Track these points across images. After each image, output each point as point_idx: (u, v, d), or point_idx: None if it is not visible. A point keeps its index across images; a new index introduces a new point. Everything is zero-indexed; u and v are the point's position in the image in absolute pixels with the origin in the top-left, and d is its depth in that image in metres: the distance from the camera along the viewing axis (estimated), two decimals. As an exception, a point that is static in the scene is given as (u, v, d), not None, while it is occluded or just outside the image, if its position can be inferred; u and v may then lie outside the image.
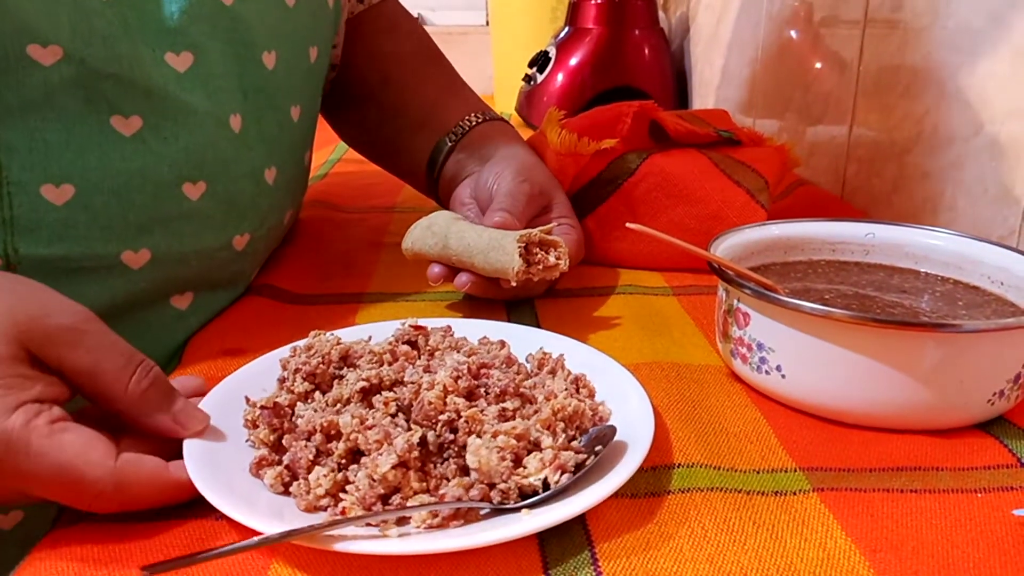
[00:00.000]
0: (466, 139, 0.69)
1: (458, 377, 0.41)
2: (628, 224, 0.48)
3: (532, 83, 1.30)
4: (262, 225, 0.60)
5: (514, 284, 0.54)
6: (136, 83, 0.48)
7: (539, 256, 0.55)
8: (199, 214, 0.53)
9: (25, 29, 0.44)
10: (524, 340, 0.49)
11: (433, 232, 0.59)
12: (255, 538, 0.32)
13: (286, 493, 0.37)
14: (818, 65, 0.91)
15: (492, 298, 0.59)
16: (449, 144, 0.70)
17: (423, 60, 0.78)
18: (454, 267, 0.58)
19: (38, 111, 0.46)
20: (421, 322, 0.48)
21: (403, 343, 0.46)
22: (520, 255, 0.54)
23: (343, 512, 0.35)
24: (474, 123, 0.70)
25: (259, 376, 0.45)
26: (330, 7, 0.67)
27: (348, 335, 0.48)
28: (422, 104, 0.74)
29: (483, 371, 0.42)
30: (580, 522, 0.36)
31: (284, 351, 0.46)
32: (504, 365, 0.44)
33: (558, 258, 0.55)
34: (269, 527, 0.33)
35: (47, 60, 0.45)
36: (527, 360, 0.47)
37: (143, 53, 0.49)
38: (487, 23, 1.77)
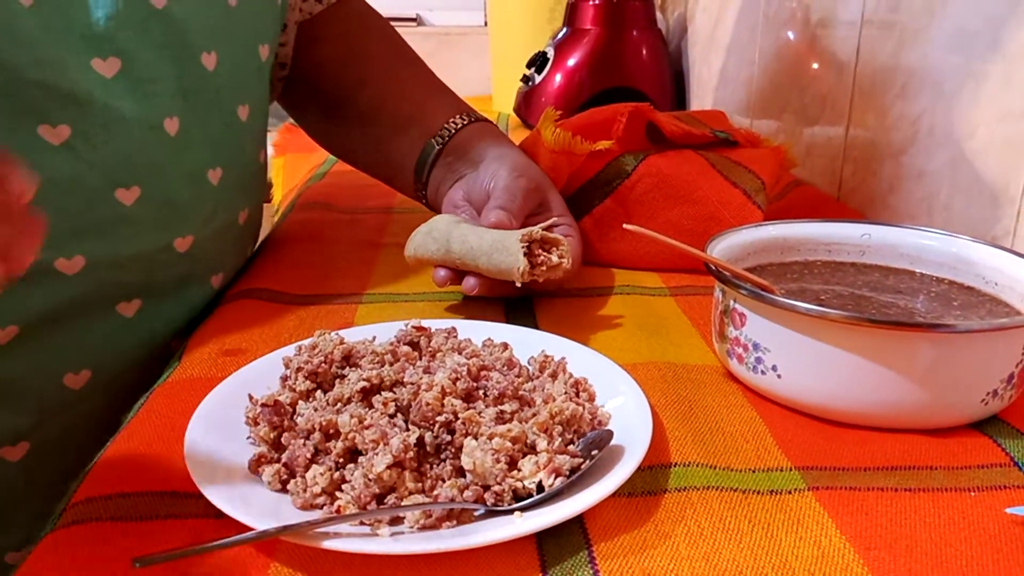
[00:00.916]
0: (453, 142, 0.69)
1: (457, 379, 0.41)
2: (625, 225, 0.48)
3: (530, 84, 1.30)
4: (207, 226, 0.59)
5: (519, 285, 0.54)
6: (62, 90, 0.48)
7: (542, 257, 0.55)
8: (134, 218, 0.53)
9: None
10: (527, 342, 0.49)
11: (434, 237, 0.59)
12: (247, 533, 0.32)
13: (284, 491, 0.38)
14: (815, 66, 0.91)
15: (500, 296, 0.59)
16: (437, 147, 0.69)
17: (400, 62, 0.77)
18: (459, 270, 0.58)
19: None
20: (426, 323, 0.48)
21: (405, 344, 0.46)
22: (524, 254, 0.54)
23: (338, 511, 0.35)
24: (460, 125, 0.70)
25: (264, 374, 0.45)
26: (278, 4, 0.66)
27: (352, 335, 0.48)
28: (403, 107, 0.74)
29: (483, 373, 0.43)
30: (578, 522, 0.36)
31: (289, 350, 0.47)
32: (505, 367, 0.44)
33: (561, 256, 0.56)
34: (263, 524, 0.33)
35: None
36: (529, 363, 0.47)
37: (68, 59, 0.48)
38: (485, 24, 1.77)
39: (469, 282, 0.57)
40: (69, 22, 0.48)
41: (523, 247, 0.54)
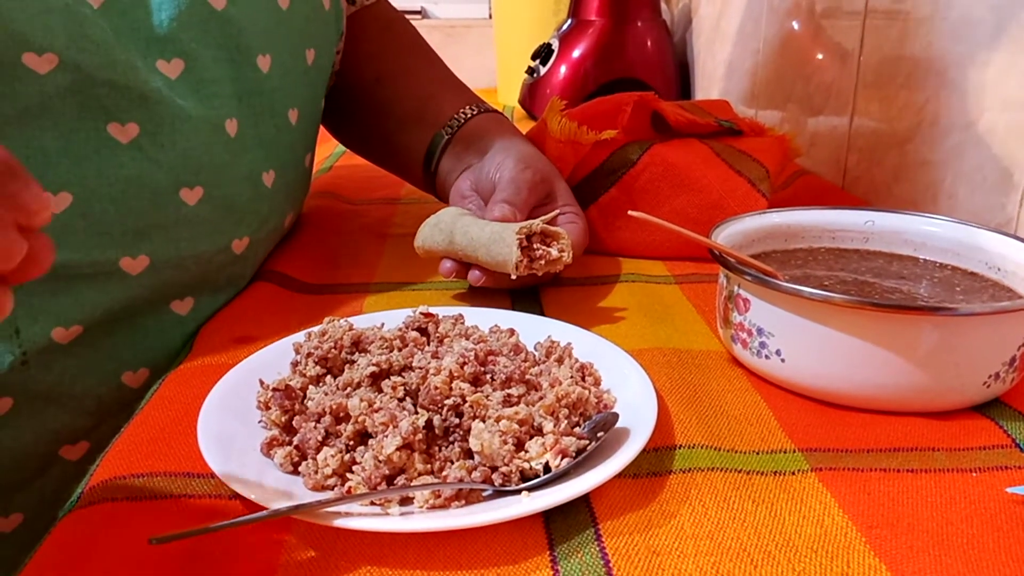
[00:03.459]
0: (462, 132, 0.70)
1: (464, 363, 0.41)
2: (630, 212, 0.49)
3: (535, 75, 1.30)
4: (261, 228, 0.60)
5: (514, 277, 0.55)
6: (131, 89, 0.49)
7: (541, 251, 0.56)
8: (196, 219, 0.54)
9: (19, 38, 0.44)
10: (533, 329, 0.50)
11: (440, 229, 0.60)
12: (260, 512, 0.33)
13: (295, 472, 0.38)
14: (819, 56, 0.91)
15: (505, 288, 0.60)
16: (445, 137, 0.70)
17: (414, 56, 0.78)
18: (465, 262, 0.59)
19: (35, 120, 0.46)
20: (434, 310, 0.49)
21: (413, 330, 0.47)
22: (521, 246, 0.54)
23: (349, 491, 0.36)
24: (469, 116, 0.70)
25: (275, 360, 0.46)
26: (327, 9, 0.67)
27: (361, 322, 0.49)
28: (415, 99, 0.74)
29: (490, 358, 0.43)
30: (584, 501, 0.37)
31: (299, 336, 0.47)
32: (512, 353, 0.45)
33: (561, 251, 0.56)
34: (276, 504, 0.34)
35: (42, 68, 0.46)
36: (535, 348, 0.48)
37: (136, 60, 0.49)
38: (490, 16, 1.77)
39: (474, 274, 0.58)
40: (135, 24, 0.50)
41: (519, 239, 0.54)
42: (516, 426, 0.38)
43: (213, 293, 0.58)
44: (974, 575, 0.32)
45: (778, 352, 0.46)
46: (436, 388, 0.40)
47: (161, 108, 0.50)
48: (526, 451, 0.38)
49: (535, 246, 0.56)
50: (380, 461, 0.37)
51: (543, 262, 0.55)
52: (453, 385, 0.40)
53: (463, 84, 0.77)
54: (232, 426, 0.41)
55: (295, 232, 0.76)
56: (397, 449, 0.37)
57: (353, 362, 0.44)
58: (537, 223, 0.56)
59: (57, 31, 0.46)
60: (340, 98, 0.78)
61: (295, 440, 0.39)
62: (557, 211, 0.62)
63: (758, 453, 0.41)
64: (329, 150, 1.14)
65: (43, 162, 0.47)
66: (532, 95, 1.31)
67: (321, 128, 0.85)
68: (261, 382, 0.43)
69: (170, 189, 0.52)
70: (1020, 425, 0.43)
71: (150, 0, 0.50)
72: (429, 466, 0.38)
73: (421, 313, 0.48)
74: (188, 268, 0.55)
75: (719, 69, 1.24)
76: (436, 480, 0.37)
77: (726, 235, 0.53)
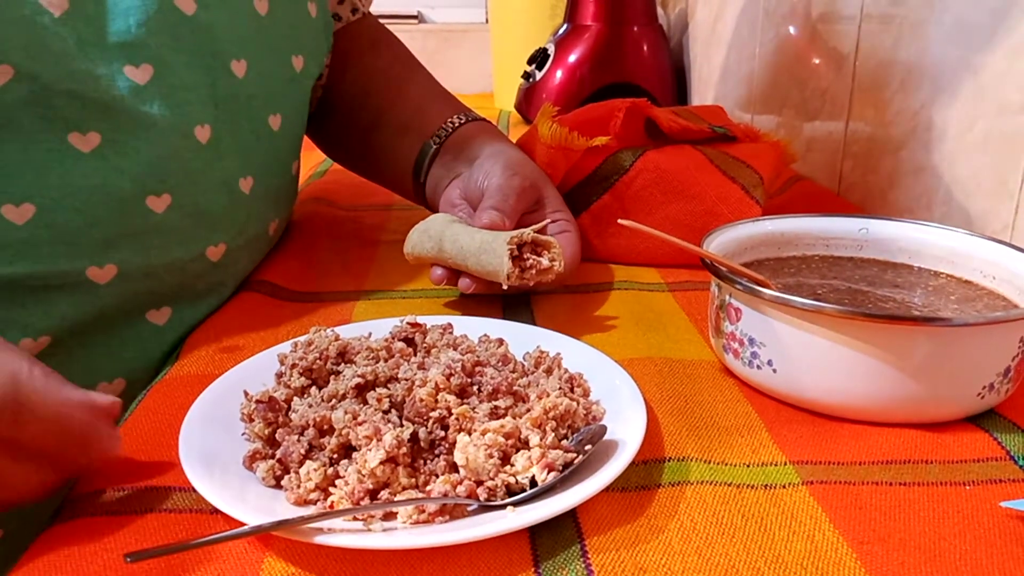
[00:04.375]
0: (450, 141, 0.69)
1: (451, 375, 0.41)
2: (620, 220, 0.48)
3: (531, 80, 1.30)
4: (240, 235, 0.59)
5: (505, 288, 0.54)
6: (92, 98, 0.48)
7: (531, 261, 0.55)
8: (166, 227, 0.53)
9: None
10: (523, 338, 0.49)
11: (429, 236, 0.59)
12: (240, 528, 0.32)
13: (278, 487, 0.38)
14: (815, 61, 0.91)
15: (496, 295, 0.60)
16: (434, 147, 0.69)
17: (403, 71, 0.77)
18: (455, 269, 0.58)
19: None
20: (422, 319, 0.48)
21: (399, 340, 0.46)
22: (512, 255, 0.54)
23: (332, 506, 0.36)
24: (457, 124, 0.70)
25: (260, 371, 0.45)
26: (314, 17, 0.66)
27: (348, 332, 0.48)
28: (403, 111, 0.74)
29: (477, 369, 0.43)
30: (571, 516, 0.36)
31: (285, 347, 0.47)
32: (500, 363, 0.45)
33: (552, 260, 0.55)
34: (257, 519, 0.33)
35: None
36: (524, 359, 0.47)
37: (99, 68, 0.48)
38: (487, 20, 1.77)
39: (464, 282, 0.58)
40: (100, 31, 0.49)
41: (510, 249, 0.54)
42: (502, 439, 0.37)
43: (192, 302, 0.57)
44: (966, 592, 0.32)
45: (770, 362, 0.45)
46: (421, 400, 0.39)
47: (124, 116, 0.50)
48: (512, 465, 0.37)
49: (526, 255, 0.55)
50: (363, 475, 0.36)
51: (534, 271, 0.55)
52: (439, 397, 0.39)
53: (451, 95, 0.76)
54: (215, 438, 0.40)
55: (285, 239, 0.75)
56: (381, 463, 0.36)
57: (339, 373, 0.44)
58: (528, 232, 0.55)
59: (13, 42, 0.45)
60: (329, 114, 0.78)
61: (278, 453, 0.39)
62: (548, 220, 0.61)
63: (749, 466, 0.40)
64: (322, 156, 1.14)
65: (4, 173, 0.46)
66: (528, 100, 1.30)
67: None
68: (246, 393, 0.43)
69: (136, 197, 0.51)
70: (1015, 437, 0.42)
71: (116, 6, 0.49)
72: (414, 480, 0.37)
73: (408, 323, 0.48)
74: (160, 277, 0.54)
75: (715, 74, 1.23)
76: (420, 495, 0.36)
77: (719, 243, 0.52)
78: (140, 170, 0.51)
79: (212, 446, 0.39)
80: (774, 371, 0.45)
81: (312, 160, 1.13)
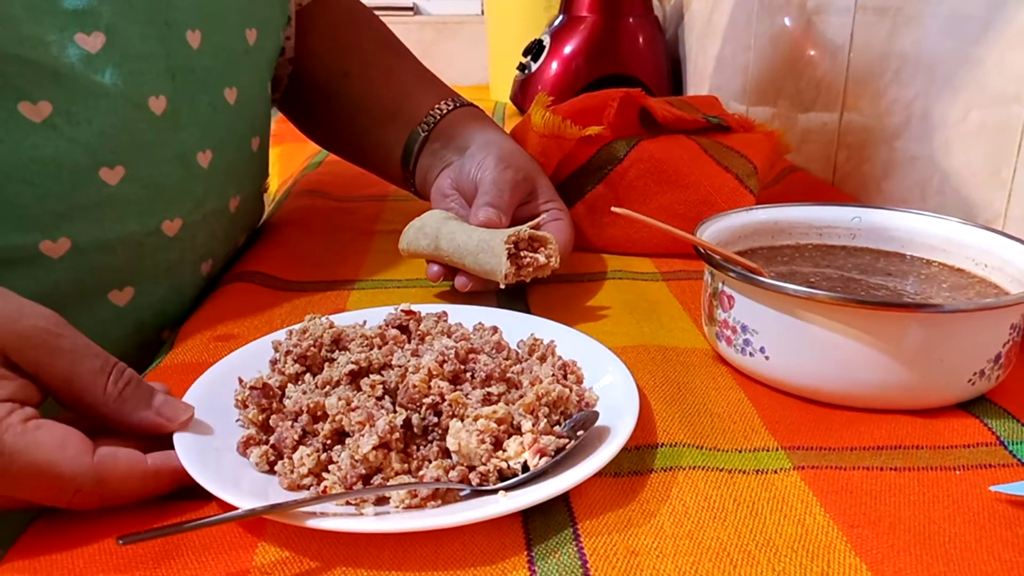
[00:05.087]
0: (439, 128, 0.68)
1: (444, 361, 0.41)
2: (614, 208, 0.48)
3: (527, 72, 1.30)
4: (196, 210, 0.58)
5: (503, 287, 0.54)
6: (42, 66, 0.47)
7: (528, 259, 0.55)
8: (120, 199, 0.52)
9: None
10: (517, 326, 0.49)
11: (425, 233, 0.59)
12: (233, 512, 0.33)
13: (271, 472, 0.38)
14: (810, 53, 0.91)
15: (490, 289, 0.60)
16: (423, 134, 0.69)
17: (385, 52, 0.76)
18: (452, 266, 0.58)
19: None
20: (417, 308, 0.49)
21: (393, 327, 0.46)
22: (510, 254, 0.54)
23: (325, 491, 0.36)
24: (445, 111, 0.69)
25: (255, 358, 0.46)
26: None
27: (343, 320, 0.48)
28: (389, 96, 0.73)
29: (471, 356, 0.43)
30: (563, 501, 0.36)
31: (280, 334, 0.47)
32: (493, 350, 0.45)
33: (548, 256, 0.55)
34: (250, 504, 0.33)
35: None
36: (519, 346, 0.48)
37: (49, 35, 0.48)
38: (482, 12, 1.77)
39: (460, 280, 0.58)
40: None
41: (508, 248, 0.54)
42: (494, 425, 0.37)
43: (153, 282, 0.57)
44: (954, 573, 0.32)
45: (762, 349, 0.46)
46: (414, 386, 0.39)
47: (76, 85, 0.49)
48: (504, 450, 0.37)
49: (522, 253, 0.55)
50: (356, 460, 0.36)
51: (531, 269, 0.55)
52: (432, 383, 0.40)
53: (436, 78, 0.76)
54: (210, 424, 0.40)
55: (278, 230, 0.75)
56: (373, 448, 0.36)
57: (333, 360, 0.44)
58: (524, 229, 0.55)
59: None
60: (309, 94, 0.77)
61: (271, 439, 0.39)
62: (543, 215, 0.61)
63: (740, 451, 0.40)
64: (317, 147, 1.14)
65: None
66: (524, 91, 1.30)
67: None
68: (240, 380, 0.43)
69: (89, 169, 0.51)
70: (1005, 423, 0.42)
71: None
72: (406, 465, 0.37)
73: (402, 311, 0.48)
74: (116, 251, 0.53)
75: (711, 65, 1.23)
76: (412, 480, 0.36)
77: (713, 231, 0.53)
78: (93, 141, 0.50)
79: (206, 432, 0.40)
80: (767, 358, 0.46)
81: (306, 152, 1.13)
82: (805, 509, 0.36)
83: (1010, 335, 0.43)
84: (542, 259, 0.55)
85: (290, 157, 1.19)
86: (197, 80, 0.57)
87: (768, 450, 0.40)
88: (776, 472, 0.38)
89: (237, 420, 0.41)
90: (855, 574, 0.32)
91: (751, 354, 0.46)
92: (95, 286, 0.54)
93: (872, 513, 0.36)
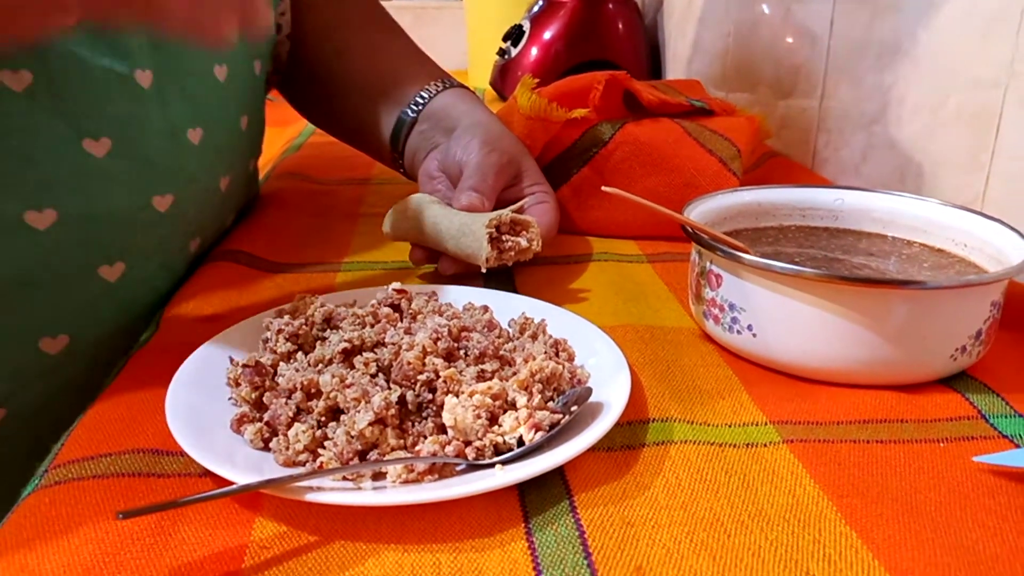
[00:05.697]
0: (427, 110, 0.68)
1: (438, 339, 0.41)
2: (604, 188, 0.49)
3: (506, 57, 1.29)
4: (188, 187, 0.58)
5: (484, 271, 0.54)
6: (25, 38, 0.47)
7: (510, 243, 0.55)
8: (107, 172, 0.52)
9: None
10: (506, 306, 0.49)
11: (408, 217, 0.59)
12: (230, 487, 0.33)
13: (266, 449, 0.38)
14: (790, 39, 0.92)
15: (475, 272, 0.60)
16: (411, 116, 0.69)
17: (377, 30, 0.76)
18: (435, 250, 0.58)
19: None
20: (406, 287, 0.49)
21: (386, 306, 0.47)
22: (491, 238, 0.54)
23: (321, 467, 0.36)
24: (434, 92, 0.69)
25: (245, 338, 0.45)
26: None
27: (332, 300, 0.48)
28: (380, 75, 0.73)
29: (463, 334, 0.43)
30: (559, 474, 0.37)
31: (270, 314, 0.47)
32: (485, 329, 0.45)
33: (530, 240, 0.56)
34: (247, 479, 0.33)
35: None
36: (509, 325, 0.48)
37: (31, 5, 0.47)
38: (460, -2, 1.75)
39: (443, 264, 0.58)
40: None
41: (489, 233, 0.54)
42: (489, 400, 0.38)
43: (144, 258, 0.56)
44: (942, 540, 0.33)
45: (750, 327, 0.46)
46: (409, 364, 0.39)
47: (57, 56, 0.48)
48: (500, 425, 0.38)
49: (504, 237, 0.55)
50: (352, 436, 0.36)
51: (512, 253, 0.55)
52: (426, 360, 0.40)
53: (427, 57, 0.75)
54: (201, 403, 0.40)
55: (260, 211, 0.75)
56: (370, 424, 0.36)
57: (324, 339, 0.44)
58: (506, 213, 0.55)
59: None
60: (301, 71, 0.76)
61: (265, 416, 0.39)
62: (526, 199, 0.61)
63: (730, 426, 0.41)
64: (297, 130, 1.13)
65: None
66: (503, 77, 1.30)
67: (289, 108, 0.83)
68: (231, 359, 0.43)
69: (72, 140, 0.50)
70: (985, 397, 0.43)
71: None
72: (402, 442, 0.38)
73: (394, 290, 0.48)
74: (104, 225, 0.53)
75: (690, 51, 1.24)
76: (409, 455, 0.37)
77: (698, 213, 0.53)
78: (76, 112, 0.50)
79: (199, 410, 0.39)
80: (754, 335, 0.46)
81: (284, 136, 1.12)
82: (795, 481, 0.37)
83: (991, 312, 0.44)
84: (524, 243, 0.56)
85: (268, 141, 1.17)
86: (181, 56, 0.56)
87: (757, 424, 0.41)
88: (765, 445, 0.39)
89: (229, 398, 0.41)
90: (846, 542, 0.33)
91: (739, 332, 0.47)
92: (85, 260, 0.53)
93: (860, 484, 0.36)
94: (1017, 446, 0.39)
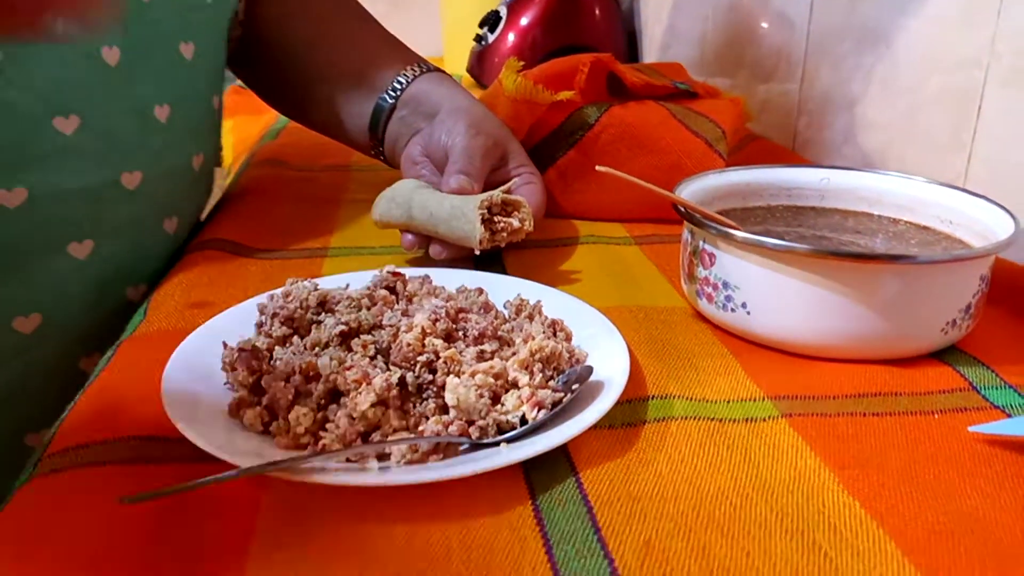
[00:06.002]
0: (406, 95, 0.67)
1: (436, 320, 0.41)
2: (598, 167, 0.49)
3: (483, 43, 1.29)
4: (156, 164, 0.58)
5: (478, 253, 0.54)
6: None
7: (502, 224, 0.55)
8: (76, 149, 0.52)
9: None
10: (500, 288, 0.49)
11: (397, 203, 0.59)
12: (235, 470, 0.32)
13: (265, 433, 0.37)
14: (767, 23, 0.92)
15: (466, 256, 0.59)
16: (390, 102, 0.68)
17: (348, 17, 0.75)
18: (425, 235, 0.58)
19: None
20: (400, 270, 0.48)
21: (382, 288, 0.46)
22: (483, 219, 0.54)
23: (323, 449, 0.35)
24: (412, 77, 0.68)
25: (237, 323, 0.45)
26: None
27: (325, 284, 0.48)
28: (353, 63, 0.71)
29: (461, 315, 0.43)
30: (563, 453, 0.37)
31: (262, 298, 0.46)
32: (482, 310, 0.45)
33: (522, 220, 0.56)
34: (249, 463, 0.33)
35: None
36: (505, 307, 0.48)
37: None
38: (434, -16, 1.74)
39: (435, 249, 0.57)
40: None
41: (481, 214, 0.54)
42: (491, 380, 0.38)
43: (114, 236, 0.56)
44: (942, 508, 0.33)
45: (744, 305, 0.47)
46: (408, 345, 0.39)
47: None
48: (502, 404, 0.38)
49: (496, 218, 0.55)
50: (354, 418, 0.36)
51: (505, 234, 0.55)
52: (426, 342, 0.39)
53: (401, 43, 0.74)
54: (196, 389, 0.39)
55: (240, 199, 0.74)
56: (372, 405, 0.36)
57: (319, 322, 0.43)
58: (497, 194, 0.55)
59: None
60: (271, 62, 0.75)
61: (264, 400, 0.38)
62: (513, 180, 0.61)
63: (729, 402, 0.41)
64: (274, 116, 1.11)
65: None
66: (480, 63, 1.29)
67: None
68: (225, 344, 0.42)
69: (42, 117, 0.50)
70: (976, 369, 0.44)
71: None
72: (404, 422, 0.37)
73: (389, 272, 0.47)
74: (74, 203, 0.53)
75: (667, 36, 1.24)
76: (413, 435, 0.36)
77: (687, 193, 0.53)
78: (45, 89, 0.50)
79: (195, 396, 0.39)
80: (748, 313, 0.47)
81: (260, 124, 1.11)
82: (796, 454, 0.37)
83: (979, 286, 0.45)
84: (516, 223, 0.55)
85: (244, 130, 1.16)
86: (150, 33, 0.56)
87: (755, 400, 0.41)
88: (765, 420, 0.40)
89: (225, 383, 0.41)
90: (850, 512, 0.33)
91: (732, 310, 0.47)
92: (55, 238, 0.53)
93: (860, 455, 0.37)
94: (1009, 415, 0.40)
